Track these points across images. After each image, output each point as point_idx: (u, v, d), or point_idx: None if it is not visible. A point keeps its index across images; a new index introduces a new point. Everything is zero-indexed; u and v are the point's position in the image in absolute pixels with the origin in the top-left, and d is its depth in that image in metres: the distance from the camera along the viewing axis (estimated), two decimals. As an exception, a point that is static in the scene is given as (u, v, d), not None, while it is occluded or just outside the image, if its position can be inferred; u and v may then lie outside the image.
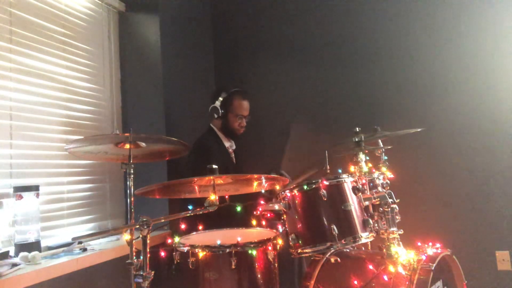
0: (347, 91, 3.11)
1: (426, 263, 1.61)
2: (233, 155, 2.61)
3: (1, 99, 1.83)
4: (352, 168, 1.93)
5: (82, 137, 1.67)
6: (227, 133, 2.56)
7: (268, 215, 2.27)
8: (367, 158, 1.95)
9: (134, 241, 1.42)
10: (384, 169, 1.96)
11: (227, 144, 2.57)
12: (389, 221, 1.75)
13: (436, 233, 2.14)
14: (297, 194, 1.78)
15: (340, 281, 1.82)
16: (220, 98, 2.50)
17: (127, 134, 1.58)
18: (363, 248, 2.03)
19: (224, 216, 1.84)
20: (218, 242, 1.56)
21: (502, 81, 2.76)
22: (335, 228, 1.67)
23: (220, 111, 2.49)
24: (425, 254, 1.68)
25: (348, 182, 1.77)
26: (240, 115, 2.51)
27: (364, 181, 1.81)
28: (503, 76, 2.76)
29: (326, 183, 1.73)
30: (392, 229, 1.74)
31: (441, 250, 1.73)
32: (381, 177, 1.89)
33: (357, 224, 1.71)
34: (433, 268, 1.58)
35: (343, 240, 1.68)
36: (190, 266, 1.55)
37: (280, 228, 1.85)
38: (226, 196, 1.67)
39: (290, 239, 1.76)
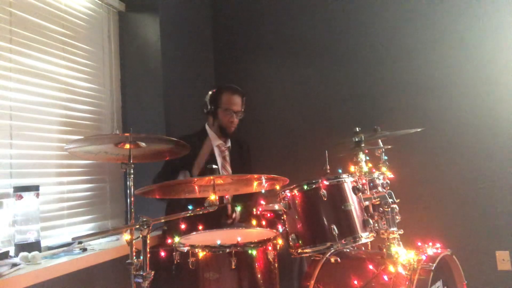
0: (347, 91, 3.11)
1: (426, 263, 1.61)
2: (226, 153, 2.50)
3: (1, 99, 1.83)
4: (352, 168, 1.93)
5: (82, 137, 1.67)
6: (219, 131, 2.45)
7: (268, 215, 2.27)
8: (367, 158, 1.95)
9: (134, 241, 1.42)
10: (384, 169, 1.96)
11: (216, 142, 2.46)
12: (389, 221, 1.75)
13: (436, 233, 2.14)
14: (297, 194, 1.78)
15: (340, 281, 1.82)
16: (210, 93, 2.44)
17: (127, 134, 1.58)
18: (363, 248, 2.03)
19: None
20: (218, 242, 1.56)
21: (502, 81, 2.76)
22: (335, 228, 1.66)
23: (209, 107, 2.41)
24: (425, 254, 1.67)
25: (348, 182, 1.77)
26: (229, 109, 2.40)
27: (364, 181, 1.81)
28: (503, 76, 2.76)
29: (326, 183, 1.73)
30: (392, 229, 1.74)
31: (441, 250, 1.73)
32: (381, 177, 1.89)
33: (357, 224, 1.71)
34: (433, 268, 1.58)
35: (343, 240, 1.67)
36: (190, 266, 1.55)
37: (280, 228, 1.85)
38: (226, 196, 1.67)
39: (290, 239, 1.76)
